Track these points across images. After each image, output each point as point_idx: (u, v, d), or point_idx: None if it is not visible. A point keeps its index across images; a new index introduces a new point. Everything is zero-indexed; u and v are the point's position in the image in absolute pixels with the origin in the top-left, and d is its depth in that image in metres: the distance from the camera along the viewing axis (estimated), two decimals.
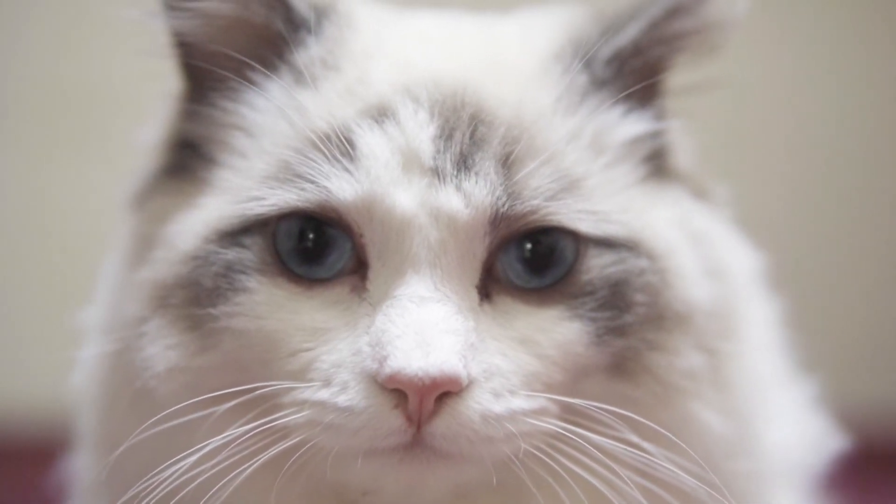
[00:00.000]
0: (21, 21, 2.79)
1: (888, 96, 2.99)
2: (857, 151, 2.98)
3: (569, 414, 0.96)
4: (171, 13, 1.03)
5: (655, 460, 0.95)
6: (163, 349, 0.99)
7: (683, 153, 1.11)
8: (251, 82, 1.02)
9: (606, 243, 0.98)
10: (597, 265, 0.98)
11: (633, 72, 1.04)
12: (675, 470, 0.96)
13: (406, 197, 0.94)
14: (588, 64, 1.03)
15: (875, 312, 2.96)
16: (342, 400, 0.92)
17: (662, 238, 1.01)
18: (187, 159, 1.06)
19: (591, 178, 1.00)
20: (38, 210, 2.83)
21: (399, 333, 0.91)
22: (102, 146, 2.72)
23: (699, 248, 1.04)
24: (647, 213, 1.02)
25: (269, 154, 0.99)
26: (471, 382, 0.91)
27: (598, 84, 1.04)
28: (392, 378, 0.89)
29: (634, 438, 0.96)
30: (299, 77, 1.02)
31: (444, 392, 0.90)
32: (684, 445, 0.97)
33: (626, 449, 0.95)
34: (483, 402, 0.92)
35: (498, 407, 0.92)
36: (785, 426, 1.15)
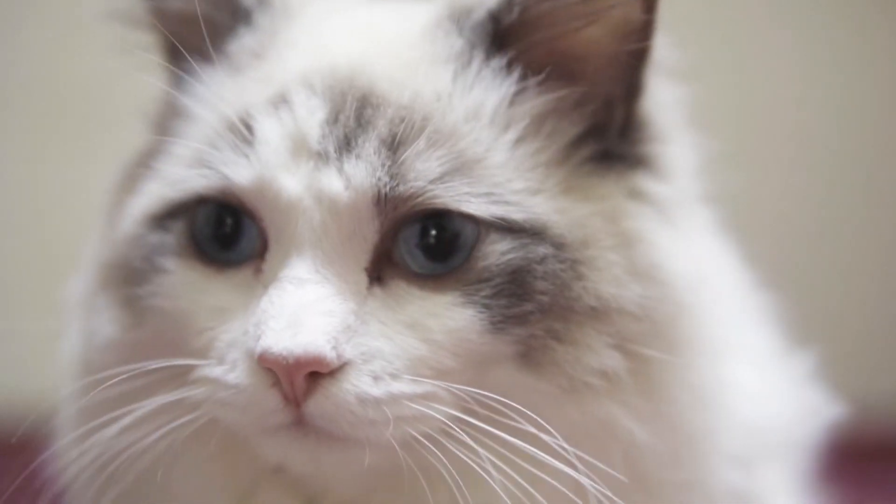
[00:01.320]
0: (17, 18, 2.81)
1: (890, 94, 2.97)
2: (861, 148, 2.96)
3: (473, 404, 0.95)
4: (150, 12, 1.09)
5: (550, 458, 0.93)
6: (103, 323, 1.05)
7: (641, 138, 1.06)
8: (191, 72, 1.05)
9: (507, 228, 0.96)
10: (494, 251, 0.96)
11: (519, 37, 1.01)
12: (560, 464, 0.94)
13: (292, 181, 0.96)
14: (464, 27, 1.02)
15: (876, 308, 2.94)
16: (231, 378, 0.95)
17: (578, 227, 0.98)
18: (152, 150, 1.10)
19: (492, 158, 0.98)
20: (34, 205, 2.86)
21: (274, 314, 0.92)
22: (98, 142, 2.73)
23: (627, 247, 1.00)
24: (563, 199, 0.99)
25: (192, 141, 1.03)
26: (346, 364, 0.92)
27: (487, 53, 1.01)
28: (262, 357, 0.91)
29: (531, 430, 0.94)
30: (229, 66, 1.05)
31: (315, 372, 0.91)
32: (586, 446, 0.94)
33: (520, 442, 0.93)
34: (359, 384, 0.92)
35: (376, 390, 0.92)
36: (778, 400, 1.12)
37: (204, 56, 1.05)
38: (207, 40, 1.04)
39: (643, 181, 1.04)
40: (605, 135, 1.03)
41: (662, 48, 1.03)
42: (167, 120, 1.09)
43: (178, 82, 1.07)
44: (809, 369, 1.18)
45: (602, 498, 0.94)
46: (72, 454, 1.05)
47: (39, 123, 2.86)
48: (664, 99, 1.08)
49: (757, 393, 1.11)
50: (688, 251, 1.04)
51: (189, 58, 1.04)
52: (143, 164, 1.09)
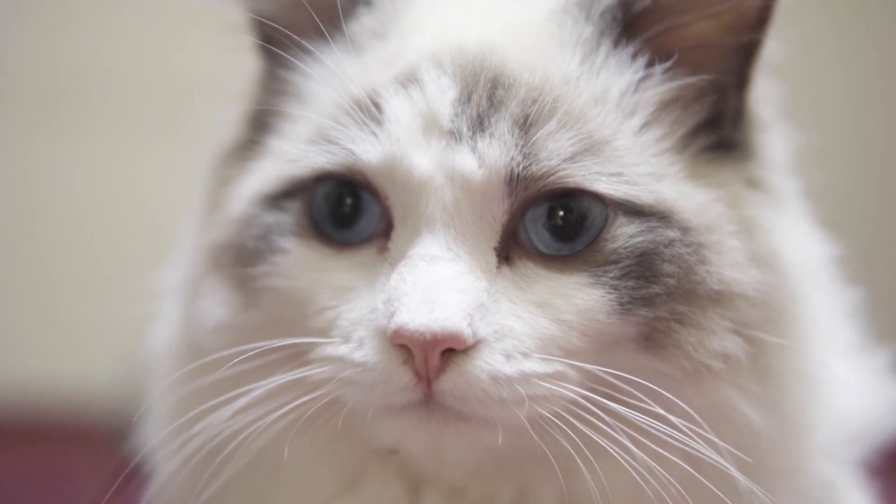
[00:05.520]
0: (14, 2, 2.81)
1: None
2: None
3: (598, 384, 0.95)
4: None
5: (680, 435, 0.94)
6: (213, 306, 1.04)
7: (750, 129, 1.07)
8: (308, 52, 1.05)
9: (636, 211, 0.97)
10: (623, 234, 0.97)
11: (648, 24, 1.02)
12: (703, 445, 0.94)
13: (423, 158, 0.96)
14: (593, 14, 1.03)
15: None
16: (358, 356, 0.94)
17: (701, 212, 0.99)
18: (257, 131, 1.10)
19: (618, 141, 0.99)
20: (33, 189, 2.84)
21: (407, 291, 0.92)
22: (95, 126, 2.73)
23: (747, 234, 1.01)
24: (686, 185, 1.00)
25: (311, 119, 1.03)
26: (479, 342, 0.92)
27: (616, 40, 1.02)
28: (396, 333, 0.91)
29: (660, 411, 0.94)
30: (349, 46, 1.05)
31: (450, 349, 0.91)
32: (706, 428, 0.94)
33: (648, 421, 0.93)
34: (492, 363, 0.92)
35: (508, 368, 0.92)
36: (861, 395, 1.13)
37: (318, 37, 1.05)
38: (323, 22, 1.04)
39: (759, 170, 1.05)
40: (721, 125, 1.05)
41: (772, 42, 1.05)
42: (271, 101, 1.08)
43: (285, 63, 1.06)
44: (890, 365, 1.19)
45: (725, 477, 0.95)
46: (174, 440, 1.03)
47: (35, 106, 2.85)
48: (765, 91, 1.09)
49: (846, 386, 1.12)
50: (799, 241, 1.05)
51: (299, 39, 1.05)
52: (248, 145, 1.09)
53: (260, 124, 1.09)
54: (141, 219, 2.66)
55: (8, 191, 2.87)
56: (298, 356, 0.98)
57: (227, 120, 1.14)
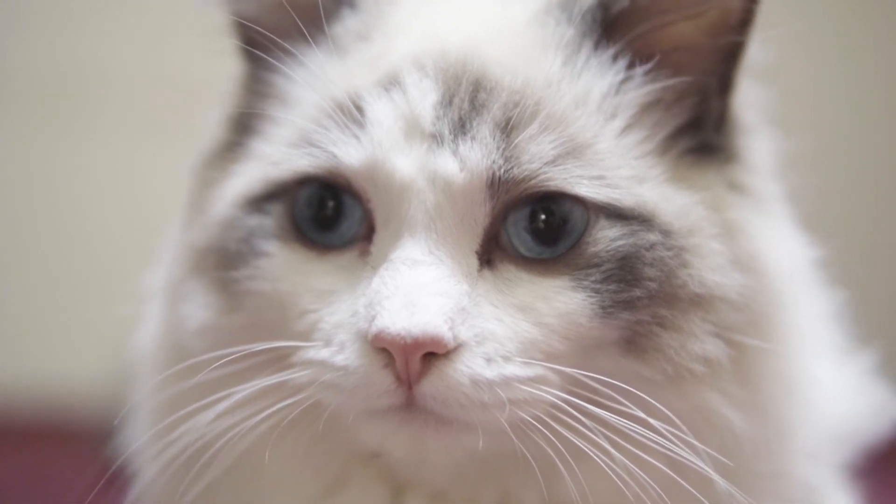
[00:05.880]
0: (14, 3, 2.80)
1: None
2: None
3: (579, 388, 0.95)
4: None
5: (660, 438, 0.94)
6: (195, 309, 1.04)
7: (734, 133, 1.07)
8: (291, 54, 1.05)
9: (617, 215, 0.97)
10: (605, 237, 0.97)
11: (628, 26, 1.02)
12: (683, 448, 0.94)
13: (405, 161, 0.96)
14: (574, 15, 1.02)
15: None
16: (339, 359, 0.94)
17: (683, 215, 0.99)
18: (240, 134, 1.10)
19: (600, 144, 0.99)
20: (31, 190, 2.85)
21: (388, 294, 0.92)
22: (94, 126, 2.73)
23: (729, 237, 1.01)
24: (668, 188, 1.00)
25: (294, 122, 1.03)
26: (460, 346, 0.92)
27: (596, 41, 1.02)
28: (377, 337, 0.91)
29: (641, 414, 0.94)
30: (332, 48, 1.05)
31: (430, 353, 0.91)
32: (686, 432, 0.94)
33: (629, 424, 0.94)
34: (473, 366, 0.92)
35: (489, 372, 0.92)
36: (844, 396, 1.13)
37: (300, 39, 1.04)
38: (307, 24, 1.04)
39: (741, 173, 1.05)
40: (703, 127, 1.05)
41: (755, 45, 1.05)
42: (253, 103, 1.08)
43: (267, 66, 1.06)
44: (872, 367, 1.19)
45: (706, 480, 0.95)
46: (156, 443, 1.03)
47: (34, 106, 2.85)
48: (749, 95, 1.09)
49: (828, 388, 1.12)
50: (782, 244, 1.05)
51: (281, 42, 1.04)
52: (230, 147, 1.09)
53: (243, 127, 1.09)
54: (139, 220, 2.63)
55: (7, 191, 2.87)
56: (280, 359, 0.98)
57: (211, 122, 1.14)
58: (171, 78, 2.66)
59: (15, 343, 2.78)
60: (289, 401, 0.96)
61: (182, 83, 2.55)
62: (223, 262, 1.03)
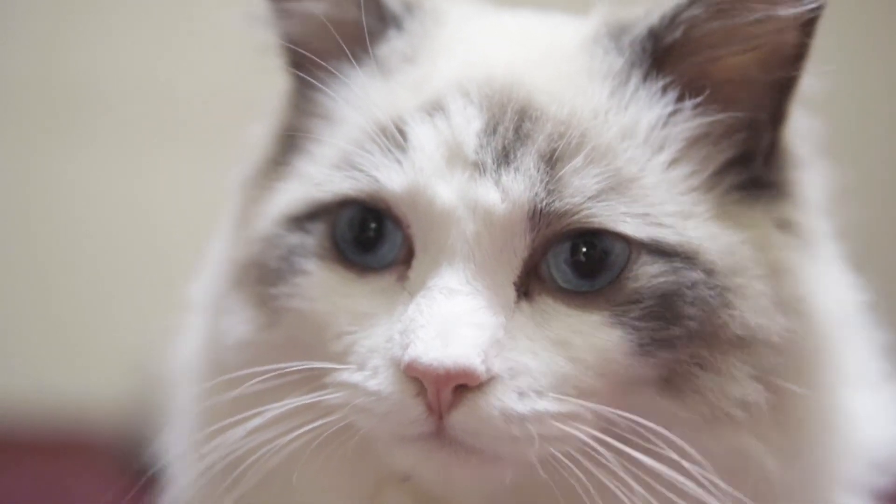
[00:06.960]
0: (10, 17, 2.83)
1: None
2: None
3: (611, 426, 0.94)
4: (279, 17, 1.09)
5: (692, 483, 0.92)
6: (236, 323, 1.04)
7: (784, 167, 1.05)
8: (337, 74, 1.05)
9: (659, 251, 0.95)
10: (646, 273, 0.95)
11: (679, 58, 1.00)
12: (716, 493, 0.92)
13: (447, 189, 0.95)
14: (623, 45, 1.01)
15: None
16: (372, 384, 0.94)
17: (728, 254, 0.97)
18: (285, 151, 1.10)
19: (646, 178, 0.97)
20: (35, 202, 2.88)
21: (423, 323, 0.92)
22: (96, 138, 2.75)
23: (774, 278, 0.99)
24: (713, 225, 0.98)
25: (338, 142, 1.03)
26: (493, 378, 0.91)
27: (646, 73, 1.01)
28: (409, 366, 0.90)
29: (674, 456, 0.93)
30: (377, 69, 1.05)
31: (462, 385, 0.90)
32: (718, 476, 0.93)
33: (661, 467, 0.92)
34: (505, 400, 0.91)
35: (521, 406, 0.91)
36: (876, 425, 1.11)
37: (346, 60, 1.04)
38: (352, 45, 1.04)
39: (790, 211, 1.03)
40: (751, 162, 1.03)
41: (808, 77, 1.03)
42: (301, 122, 1.08)
43: (314, 85, 1.06)
44: None
45: None
46: (192, 455, 1.04)
47: (30, 120, 2.87)
48: (801, 127, 1.07)
49: (867, 420, 1.10)
50: (830, 287, 1.03)
51: (325, 62, 1.04)
52: (277, 163, 1.09)
53: (289, 144, 1.09)
54: (145, 231, 2.68)
55: (9, 202, 2.89)
56: (314, 379, 0.98)
57: (254, 137, 1.14)
58: (172, 91, 2.67)
59: (26, 357, 2.80)
60: (320, 421, 0.95)
61: (183, 96, 2.58)
62: (263, 278, 1.03)
